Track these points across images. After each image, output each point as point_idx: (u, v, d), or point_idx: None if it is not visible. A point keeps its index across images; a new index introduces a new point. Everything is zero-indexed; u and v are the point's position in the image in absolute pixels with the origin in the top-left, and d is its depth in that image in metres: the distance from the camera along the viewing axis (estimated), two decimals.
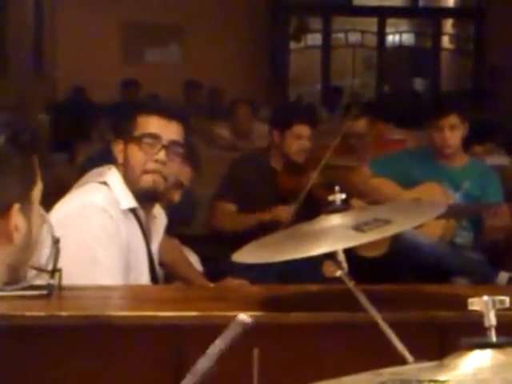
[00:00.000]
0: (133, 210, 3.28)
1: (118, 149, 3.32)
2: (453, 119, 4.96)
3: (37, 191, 1.85)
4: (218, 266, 4.29)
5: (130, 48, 13.28)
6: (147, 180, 3.26)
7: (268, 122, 5.58)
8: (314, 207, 4.34)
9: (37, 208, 1.86)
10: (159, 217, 3.44)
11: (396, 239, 4.64)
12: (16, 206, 1.76)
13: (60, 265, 2.87)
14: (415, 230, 4.67)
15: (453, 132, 4.96)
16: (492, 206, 4.74)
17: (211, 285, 3.91)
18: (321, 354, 2.68)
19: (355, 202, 4.63)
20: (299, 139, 5.08)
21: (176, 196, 3.84)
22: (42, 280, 2.85)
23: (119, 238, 3.21)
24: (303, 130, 5.11)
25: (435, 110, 5.18)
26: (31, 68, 11.55)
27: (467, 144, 5.29)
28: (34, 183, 1.84)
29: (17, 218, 1.77)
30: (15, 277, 1.88)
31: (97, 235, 3.17)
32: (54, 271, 2.88)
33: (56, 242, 2.87)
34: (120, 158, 3.31)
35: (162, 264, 3.56)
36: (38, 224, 1.88)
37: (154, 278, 3.41)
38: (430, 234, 4.80)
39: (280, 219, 4.65)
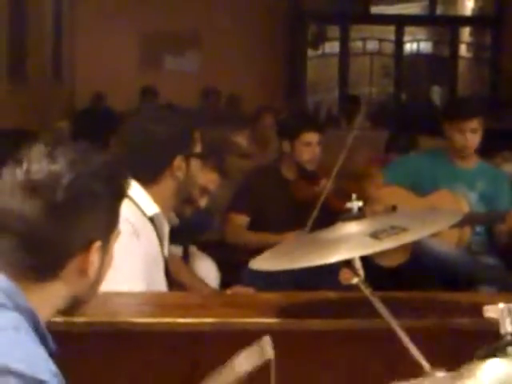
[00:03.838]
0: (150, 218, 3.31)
1: (175, 167, 3.29)
2: (475, 123, 5.01)
3: (115, 235, 1.97)
4: (228, 275, 4.31)
5: (149, 56, 13.35)
6: (204, 200, 3.45)
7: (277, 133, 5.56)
8: (327, 216, 4.35)
9: (112, 250, 1.94)
10: (165, 223, 3.44)
11: (417, 248, 4.65)
12: (98, 244, 1.87)
13: None
14: (435, 237, 4.68)
15: (474, 135, 5.02)
16: (504, 213, 4.75)
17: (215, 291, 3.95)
18: (337, 360, 2.69)
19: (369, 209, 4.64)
20: (309, 146, 5.10)
21: (203, 202, 3.83)
22: None
23: (144, 250, 3.23)
24: (311, 137, 5.12)
25: (458, 112, 5.16)
26: (50, 75, 11.60)
27: (487, 152, 5.33)
28: (115, 227, 1.96)
29: (95, 254, 1.87)
30: (74, 307, 1.93)
31: (121, 248, 3.16)
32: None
33: None
34: (178, 173, 3.29)
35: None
36: (111, 259, 1.97)
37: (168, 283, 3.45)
38: (446, 241, 4.81)
39: (288, 241, 4.57)
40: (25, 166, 1.82)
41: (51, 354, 1.81)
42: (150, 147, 3.36)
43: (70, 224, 1.82)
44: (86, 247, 1.84)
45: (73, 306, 1.91)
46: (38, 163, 1.82)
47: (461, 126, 4.98)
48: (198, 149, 3.37)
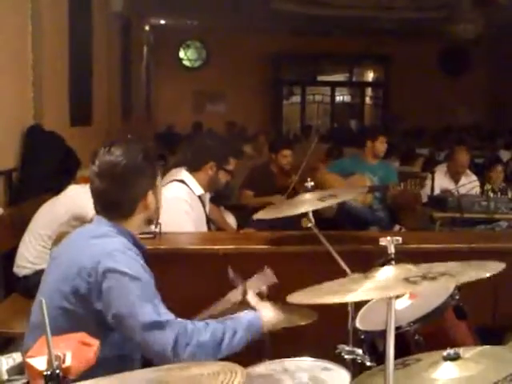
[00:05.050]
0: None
1: (209, 166, 3.24)
2: (383, 138, 4.97)
3: (158, 180, 1.93)
4: (241, 222, 4.29)
5: (197, 104, 13.31)
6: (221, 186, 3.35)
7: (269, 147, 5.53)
8: (295, 193, 4.34)
9: (160, 189, 1.92)
10: (207, 194, 3.43)
11: (340, 206, 4.65)
12: (150, 192, 1.87)
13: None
14: (352, 200, 4.70)
15: (383, 145, 4.97)
16: (387, 185, 4.75)
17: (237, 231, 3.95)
18: (301, 267, 2.68)
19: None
20: (285, 157, 5.02)
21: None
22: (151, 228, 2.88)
23: (194, 216, 3.22)
24: (287, 152, 5.02)
25: (376, 133, 5.14)
26: (144, 115, 11.57)
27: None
28: (156, 177, 1.91)
29: (151, 198, 1.87)
30: (147, 226, 1.96)
31: (182, 214, 3.17)
32: (157, 223, 2.89)
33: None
34: (210, 172, 3.24)
35: (210, 219, 3.53)
36: (160, 198, 1.93)
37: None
38: (359, 202, 4.82)
39: (275, 203, 4.57)
40: (96, 161, 1.82)
41: (144, 251, 1.85)
42: (198, 153, 3.34)
43: (130, 187, 1.82)
44: (145, 195, 1.85)
45: (147, 224, 1.92)
46: (102, 157, 1.81)
47: (380, 139, 4.96)
48: (231, 166, 3.32)
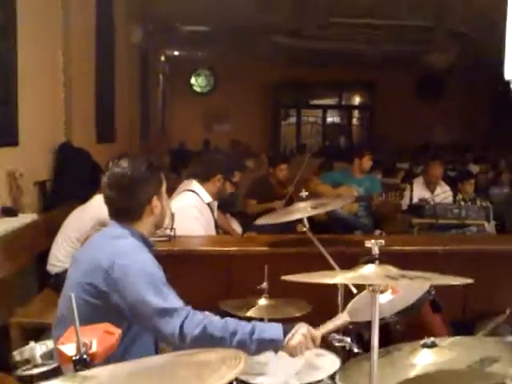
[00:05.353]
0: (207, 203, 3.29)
1: (217, 178, 3.25)
2: (369, 156, 4.98)
3: (163, 187, 1.88)
4: (244, 228, 4.28)
5: (206, 123, 13.33)
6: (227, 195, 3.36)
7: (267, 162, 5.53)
8: (291, 201, 4.34)
9: (165, 195, 1.90)
10: (215, 202, 3.42)
11: (332, 213, 4.64)
12: (154, 197, 1.83)
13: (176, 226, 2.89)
14: (339, 208, 4.69)
15: (368, 162, 4.97)
16: (371, 195, 4.75)
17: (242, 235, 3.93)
18: (296, 266, 2.67)
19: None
20: (282, 171, 5.02)
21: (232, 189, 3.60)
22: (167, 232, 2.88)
23: (203, 221, 3.22)
24: (284, 166, 5.02)
25: (363, 151, 5.12)
26: (160, 134, 11.60)
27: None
28: (161, 184, 1.87)
29: (156, 202, 1.83)
30: (155, 230, 1.93)
31: (193, 220, 3.17)
32: (172, 228, 2.90)
33: (172, 215, 2.88)
34: (217, 183, 3.25)
35: (217, 225, 3.53)
36: (166, 204, 1.91)
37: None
38: (346, 210, 4.82)
39: (276, 207, 4.59)
40: (107, 173, 1.81)
41: (151, 247, 1.83)
42: (208, 166, 3.35)
43: (136, 194, 1.79)
44: (150, 201, 1.81)
45: (156, 228, 1.88)
46: (111, 170, 1.80)
47: (366, 157, 4.96)
48: (236, 178, 3.35)
